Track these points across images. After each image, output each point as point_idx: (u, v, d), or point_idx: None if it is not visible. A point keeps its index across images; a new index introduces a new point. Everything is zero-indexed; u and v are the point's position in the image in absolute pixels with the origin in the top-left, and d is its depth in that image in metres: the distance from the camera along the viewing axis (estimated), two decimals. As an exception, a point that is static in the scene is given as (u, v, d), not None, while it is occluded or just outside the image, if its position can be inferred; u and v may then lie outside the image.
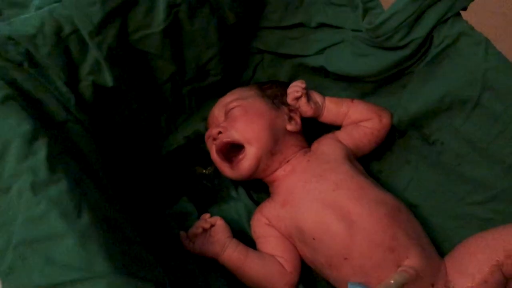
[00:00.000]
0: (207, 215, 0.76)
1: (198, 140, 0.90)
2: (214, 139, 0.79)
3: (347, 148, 0.81)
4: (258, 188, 0.86)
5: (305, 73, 0.94)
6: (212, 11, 0.77)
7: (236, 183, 0.86)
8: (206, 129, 0.88)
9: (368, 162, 0.89)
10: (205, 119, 0.92)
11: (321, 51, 0.88)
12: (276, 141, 0.78)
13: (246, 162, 0.77)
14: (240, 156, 0.77)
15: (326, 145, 0.81)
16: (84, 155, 0.62)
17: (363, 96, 0.88)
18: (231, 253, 0.73)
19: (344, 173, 0.75)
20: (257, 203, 0.84)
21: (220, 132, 0.78)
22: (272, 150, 0.78)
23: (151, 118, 0.84)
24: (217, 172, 0.87)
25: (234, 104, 0.80)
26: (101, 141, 0.69)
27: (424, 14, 0.70)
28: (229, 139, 0.77)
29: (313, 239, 0.71)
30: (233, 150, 0.79)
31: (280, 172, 0.79)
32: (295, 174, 0.78)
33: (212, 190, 0.86)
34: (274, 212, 0.77)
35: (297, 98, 0.81)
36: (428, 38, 0.72)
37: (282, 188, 0.78)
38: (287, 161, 0.80)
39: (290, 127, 0.80)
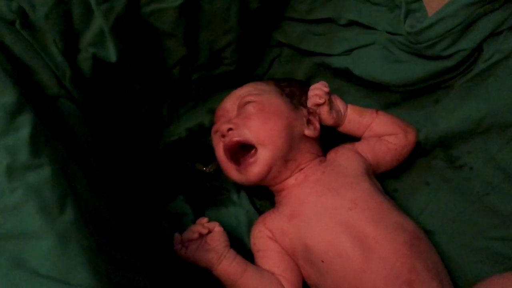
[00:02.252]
0: (205, 220, 0.68)
1: (201, 134, 0.82)
2: (223, 135, 0.70)
3: (367, 163, 0.73)
4: (262, 195, 0.78)
5: (325, 74, 0.86)
6: (236, -10, 0.69)
7: (239, 186, 0.78)
8: (213, 122, 0.80)
9: (384, 179, 0.81)
10: (211, 111, 0.83)
11: (347, 52, 0.81)
12: (291, 146, 0.70)
13: (257, 167, 0.69)
14: (251, 159, 0.69)
15: (344, 157, 0.73)
16: (74, 138, 0.54)
17: (387, 107, 0.81)
18: (228, 265, 0.65)
19: (363, 191, 0.67)
20: (259, 211, 0.76)
21: (230, 129, 0.69)
22: (286, 156, 0.70)
23: (152, 104, 0.76)
24: (218, 171, 0.79)
25: (250, 98, 0.71)
26: (95, 123, 0.60)
27: (476, 23, 0.62)
28: (240, 138, 0.69)
29: (322, 261, 0.64)
30: (242, 150, 0.70)
31: (290, 181, 0.71)
32: (307, 184, 0.70)
33: (211, 191, 0.78)
34: (279, 224, 0.69)
35: (319, 105, 0.73)
36: (476, 51, 0.64)
37: (291, 199, 0.70)
38: (300, 170, 0.72)
39: (308, 132, 0.72)
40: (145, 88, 0.72)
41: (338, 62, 0.82)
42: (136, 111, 0.73)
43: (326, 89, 0.74)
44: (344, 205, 0.65)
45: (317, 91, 0.74)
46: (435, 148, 0.78)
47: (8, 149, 0.42)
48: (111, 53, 0.60)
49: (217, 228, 0.67)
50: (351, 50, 0.80)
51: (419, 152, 0.79)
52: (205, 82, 0.80)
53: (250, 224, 0.74)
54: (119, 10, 0.59)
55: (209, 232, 0.67)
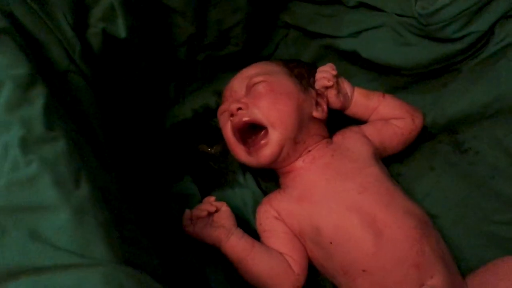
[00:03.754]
0: (212, 198, 0.68)
1: (206, 115, 0.82)
2: (232, 115, 0.70)
3: (374, 146, 0.73)
4: (268, 177, 0.78)
5: (332, 57, 0.85)
6: (246, -31, 0.68)
7: (245, 168, 0.78)
8: (218, 104, 0.79)
9: (388, 163, 0.81)
10: (217, 92, 0.83)
11: (355, 34, 0.80)
12: (301, 127, 0.70)
13: (269, 149, 0.68)
14: (262, 142, 0.68)
15: (352, 140, 0.73)
16: (84, 114, 0.54)
17: (394, 91, 0.81)
18: (236, 242, 0.65)
19: (371, 175, 0.68)
20: (265, 193, 0.76)
21: (240, 109, 0.69)
22: (296, 137, 0.70)
23: (159, 82, 0.75)
24: (223, 153, 0.78)
25: (260, 78, 0.71)
26: (103, 100, 0.59)
27: (489, 5, 0.62)
28: (250, 118, 0.68)
29: (330, 243, 0.64)
30: (250, 131, 0.70)
31: (298, 163, 0.71)
32: (316, 167, 0.70)
33: (216, 172, 0.77)
34: (287, 206, 0.69)
35: (327, 87, 0.73)
36: (488, 33, 0.64)
37: (300, 182, 0.70)
38: (308, 151, 0.72)
39: (316, 113, 0.72)
40: (151, 66, 0.71)
41: (346, 44, 0.81)
42: (143, 90, 0.72)
43: (334, 72, 0.74)
44: (354, 189, 0.66)
45: (325, 74, 0.73)
46: (441, 133, 0.78)
47: (23, 121, 0.42)
48: (120, 29, 0.60)
49: (224, 207, 0.67)
50: (359, 32, 0.80)
51: (425, 136, 0.79)
52: (211, 62, 0.80)
53: (256, 206, 0.73)
54: (129, -15, 0.58)
55: (217, 210, 0.67)
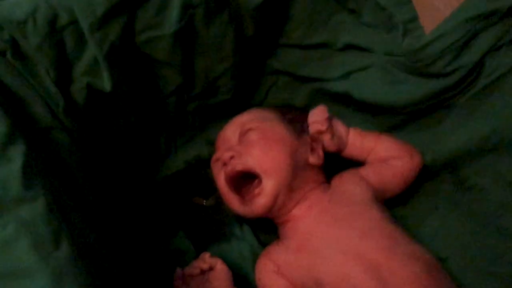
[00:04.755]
0: (207, 254, 0.65)
1: (199, 166, 0.80)
2: (225, 163, 0.68)
3: (374, 188, 0.71)
4: (267, 227, 0.75)
5: (324, 100, 0.84)
6: (231, 18, 0.69)
7: (241, 219, 0.75)
8: (211, 154, 0.78)
9: (391, 206, 0.79)
10: (209, 142, 0.82)
11: (345, 76, 0.80)
12: (296, 174, 0.68)
13: (263, 198, 0.66)
14: (256, 191, 0.67)
15: (350, 184, 0.71)
16: (68, 171, 0.52)
17: (389, 131, 0.79)
18: None
19: (372, 219, 0.65)
20: (264, 245, 0.73)
21: (232, 157, 0.68)
22: (291, 185, 0.68)
23: (149, 135, 0.74)
24: (218, 204, 0.76)
25: (252, 125, 0.70)
26: (90, 155, 0.58)
27: (476, 38, 0.62)
28: (243, 167, 0.67)
29: None
30: (244, 180, 0.69)
31: (295, 211, 0.69)
32: (313, 215, 0.68)
33: (212, 226, 0.75)
34: (285, 258, 0.67)
35: (321, 132, 0.72)
36: (478, 66, 0.64)
37: (298, 231, 0.67)
38: (305, 199, 0.70)
39: (312, 159, 0.71)
40: (141, 119, 0.71)
41: (337, 86, 0.81)
42: (132, 143, 0.71)
43: (326, 115, 0.73)
44: (354, 235, 0.63)
45: (318, 118, 0.73)
46: (442, 170, 0.75)
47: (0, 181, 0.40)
48: (105, 82, 0.59)
49: (219, 266, 0.64)
50: (349, 73, 0.80)
51: (426, 176, 0.77)
52: (201, 112, 0.79)
53: (255, 259, 0.70)
54: (113, 38, 0.58)
55: (211, 268, 0.64)
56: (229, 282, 0.64)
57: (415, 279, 0.59)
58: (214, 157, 0.74)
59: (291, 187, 0.68)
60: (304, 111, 0.81)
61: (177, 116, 0.77)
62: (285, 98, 0.87)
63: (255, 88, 0.87)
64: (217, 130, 0.79)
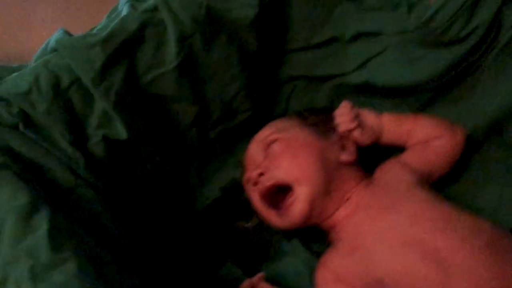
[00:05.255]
0: (258, 277, 0.64)
1: (236, 190, 0.79)
2: (255, 183, 0.68)
3: (419, 172, 0.68)
4: (317, 236, 0.73)
5: (348, 94, 0.82)
6: (230, 38, 0.69)
7: (289, 234, 0.73)
8: (243, 174, 0.77)
9: (442, 186, 0.74)
10: (241, 164, 0.81)
11: (362, 65, 0.78)
12: (329, 176, 0.67)
13: (298, 206, 0.65)
14: (290, 200, 0.65)
15: (392, 172, 0.68)
16: (100, 225, 0.53)
17: (422, 110, 0.76)
18: None
19: (421, 201, 0.63)
20: (318, 255, 0.70)
21: (261, 174, 0.67)
22: (327, 188, 0.66)
23: (178, 171, 0.74)
24: (261, 224, 0.75)
25: (273, 137, 0.69)
26: (121, 204, 0.59)
27: (485, -5, 0.58)
28: (273, 181, 0.66)
29: None
30: (280, 193, 0.67)
31: (340, 213, 0.67)
32: (359, 212, 0.66)
33: (259, 247, 0.73)
34: (341, 263, 0.64)
35: (351, 130, 0.70)
36: (495, 22, 0.60)
37: (347, 232, 0.65)
38: (347, 199, 0.67)
39: (344, 157, 0.69)
40: (165, 157, 0.71)
41: (356, 78, 0.78)
42: (162, 183, 0.71)
43: (352, 111, 0.71)
44: (403, 223, 0.60)
45: (344, 117, 0.71)
46: (488, 138, 0.72)
47: (29, 252, 0.42)
48: (120, 131, 0.60)
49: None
50: (365, 62, 0.77)
51: (473, 147, 0.72)
52: (226, 136, 0.79)
53: (312, 273, 0.68)
54: (118, 86, 0.59)
55: None
56: None
57: (479, 254, 0.55)
58: (245, 178, 0.73)
59: (327, 190, 0.66)
60: (327, 111, 0.79)
61: (201, 146, 0.77)
62: (307, 102, 0.85)
63: (275, 99, 0.86)
64: (246, 149, 0.78)
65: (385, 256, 0.59)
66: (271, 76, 0.82)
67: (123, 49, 0.59)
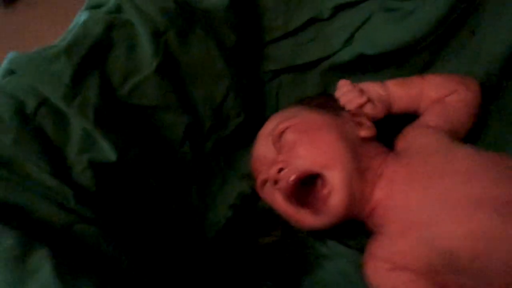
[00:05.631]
0: None
1: (247, 204, 0.69)
2: (276, 182, 0.58)
3: (445, 131, 0.62)
4: (352, 230, 0.64)
5: (339, 76, 0.76)
6: (207, 32, 0.62)
7: (321, 235, 0.64)
8: (252, 185, 0.68)
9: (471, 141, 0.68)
10: (244, 175, 0.72)
11: (349, 40, 0.73)
12: (356, 154, 0.59)
13: (336, 194, 0.56)
14: (324, 191, 0.56)
15: (419, 137, 0.62)
16: (106, 260, 0.42)
17: (424, 71, 0.71)
18: None
19: (468, 156, 0.56)
20: (362, 250, 0.61)
21: (281, 170, 0.57)
22: (359, 167, 0.58)
23: (178, 197, 0.64)
24: (287, 232, 0.65)
25: (283, 126, 0.61)
26: (127, 236, 0.48)
27: None
28: (298, 173, 0.57)
29: (474, 259, 0.49)
30: (305, 189, 0.58)
31: (378, 194, 0.59)
32: (398, 187, 0.57)
33: (294, 258, 0.63)
34: (395, 248, 0.55)
35: (362, 105, 0.63)
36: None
37: (392, 213, 0.57)
38: (380, 176, 0.59)
39: (364, 132, 0.62)
40: (161, 181, 0.61)
41: (346, 55, 0.73)
42: (165, 211, 0.61)
43: (354, 86, 0.65)
44: (461, 183, 0.53)
45: (349, 94, 0.64)
46: (502, 80, 0.67)
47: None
48: (108, 152, 0.50)
49: None
50: (351, 36, 0.72)
51: (491, 94, 0.67)
52: (221, 148, 0.70)
53: (358, 270, 0.59)
54: (94, 101, 0.50)
55: None
56: None
57: None
58: (259, 182, 0.64)
59: (359, 170, 0.58)
60: (326, 94, 0.72)
61: (198, 163, 0.67)
62: (298, 94, 0.78)
63: (263, 101, 0.78)
64: (246, 159, 0.70)
65: (449, 225, 0.51)
66: (255, 75, 0.75)
67: (92, 57, 0.51)
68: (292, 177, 0.56)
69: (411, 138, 0.62)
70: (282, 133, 0.60)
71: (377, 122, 0.65)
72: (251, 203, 0.69)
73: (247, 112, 0.72)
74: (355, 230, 0.64)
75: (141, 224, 0.53)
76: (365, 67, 0.74)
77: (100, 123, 0.50)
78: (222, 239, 0.65)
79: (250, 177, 0.70)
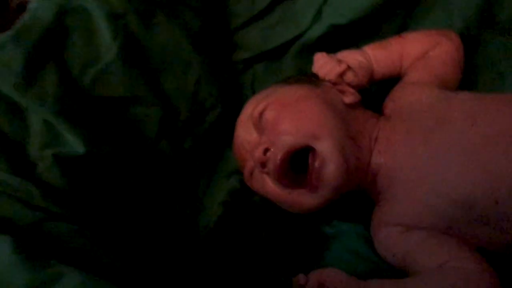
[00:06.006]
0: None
1: (239, 200, 0.64)
2: (263, 164, 0.53)
3: (435, 84, 0.59)
4: (353, 206, 0.59)
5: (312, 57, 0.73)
6: (169, 16, 0.58)
7: (323, 216, 0.59)
8: (240, 179, 0.63)
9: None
10: (230, 172, 0.67)
11: (318, 14, 0.70)
12: (345, 120, 0.55)
13: (330, 164, 0.51)
14: (316, 164, 0.51)
15: (409, 95, 0.59)
16: (82, 255, 0.36)
17: (402, 30, 0.68)
18: None
19: (464, 101, 0.54)
20: (367, 223, 0.56)
21: (267, 150, 0.53)
22: (348, 133, 0.54)
23: (163, 203, 0.58)
24: (285, 221, 0.60)
25: (261, 106, 0.56)
26: (106, 231, 0.42)
27: None
28: (285, 149, 0.52)
29: (496, 203, 0.46)
30: (295, 170, 0.53)
31: (376, 159, 0.55)
32: (398, 147, 0.54)
33: (300, 245, 0.58)
34: (405, 210, 0.52)
35: (342, 73, 0.60)
36: None
37: (398, 174, 0.53)
38: (375, 139, 0.55)
39: (348, 99, 0.58)
40: (143, 180, 0.55)
41: (317, 30, 0.70)
42: (150, 211, 0.55)
43: (332, 58, 0.62)
44: (459, 128, 0.50)
45: (327, 65, 0.61)
46: (480, 32, 0.65)
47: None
48: (74, 145, 0.45)
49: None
50: (319, 10, 0.70)
51: (471, 45, 0.66)
52: (201, 145, 0.65)
53: (369, 243, 0.55)
54: (54, 91, 0.45)
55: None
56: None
57: None
58: (246, 171, 0.59)
59: (350, 136, 0.54)
60: (302, 73, 0.69)
61: (178, 162, 0.62)
62: (274, 80, 0.74)
63: (240, 93, 0.74)
64: (231, 158, 0.66)
65: (464, 172, 0.48)
66: (227, 65, 0.71)
67: (45, 44, 0.46)
68: (280, 155, 0.52)
69: (399, 99, 0.59)
70: (261, 113, 0.56)
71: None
72: (245, 198, 0.64)
73: (223, 105, 0.68)
74: (356, 205, 0.59)
75: (124, 221, 0.48)
76: (338, 43, 0.71)
77: (63, 114, 0.45)
78: (214, 237, 0.59)
79: (237, 172, 0.66)
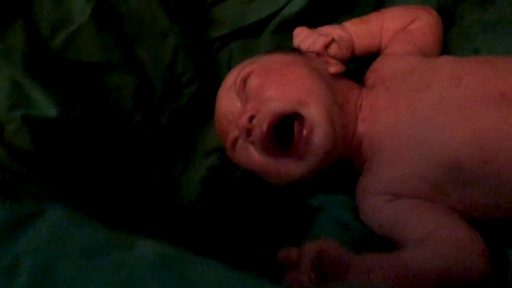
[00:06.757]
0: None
1: (218, 176, 0.62)
2: (248, 133, 0.51)
3: (416, 53, 0.60)
4: (338, 176, 0.58)
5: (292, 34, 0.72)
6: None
7: (309, 188, 0.57)
8: (220, 156, 0.61)
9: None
10: (209, 150, 0.65)
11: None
12: (331, 87, 0.54)
13: (319, 130, 0.50)
14: (305, 131, 0.50)
15: (390, 63, 0.59)
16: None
17: (379, 5, 0.69)
18: (379, 269, 0.43)
19: (449, 62, 0.54)
20: (353, 193, 0.55)
21: (252, 117, 0.51)
22: (336, 100, 0.53)
23: (138, 175, 0.56)
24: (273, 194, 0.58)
25: (246, 71, 0.55)
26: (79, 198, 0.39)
27: None
28: (271, 116, 0.50)
29: (483, 163, 0.45)
30: (281, 139, 0.52)
31: (361, 126, 0.55)
32: (381, 112, 0.54)
33: (287, 221, 0.56)
34: (391, 175, 0.51)
35: (327, 45, 0.59)
36: None
37: (382, 139, 0.53)
38: (359, 107, 0.55)
39: (333, 68, 0.58)
40: (116, 156, 0.53)
41: (295, 5, 0.69)
42: (125, 192, 0.52)
43: (313, 30, 0.62)
44: (444, 87, 0.51)
45: (310, 38, 0.61)
46: (456, 5, 0.67)
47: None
48: (45, 107, 0.42)
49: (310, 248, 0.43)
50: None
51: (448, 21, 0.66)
52: (178, 122, 0.63)
53: (356, 215, 0.54)
54: (21, 47, 0.43)
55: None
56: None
57: None
58: (228, 144, 0.57)
59: (337, 103, 0.54)
60: (283, 47, 0.67)
61: (155, 140, 0.60)
62: (252, 58, 0.73)
63: (217, 71, 0.72)
64: (209, 137, 0.64)
65: (449, 133, 0.48)
66: (203, 41, 0.69)
67: (9, 2, 0.43)
68: (266, 122, 0.50)
69: (382, 69, 0.60)
70: (245, 80, 0.54)
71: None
72: (225, 175, 0.62)
73: (200, 81, 0.66)
74: (340, 177, 0.59)
75: (98, 192, 0.45)
76: (316, 19, 0.70)
77: (32, 74, 0.42)
78: (195, 212, 0.57)
79: (216, 150, 0.64)
